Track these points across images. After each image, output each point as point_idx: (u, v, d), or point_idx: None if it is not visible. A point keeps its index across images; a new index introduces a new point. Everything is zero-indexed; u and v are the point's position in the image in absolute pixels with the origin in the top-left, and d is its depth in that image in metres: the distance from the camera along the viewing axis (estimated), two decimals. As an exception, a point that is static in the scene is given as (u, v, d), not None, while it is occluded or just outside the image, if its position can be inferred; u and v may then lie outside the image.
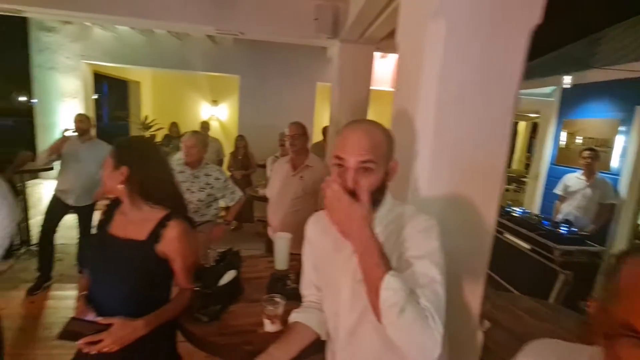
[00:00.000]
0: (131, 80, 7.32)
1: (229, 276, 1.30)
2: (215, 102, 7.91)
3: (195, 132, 2.73)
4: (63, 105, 5.27)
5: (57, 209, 3.23)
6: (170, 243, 1.17)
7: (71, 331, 1.01)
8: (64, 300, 3.12)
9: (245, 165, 4.98)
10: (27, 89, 5.48)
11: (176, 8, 2.70)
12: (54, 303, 3.05)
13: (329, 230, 1.02)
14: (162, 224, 1.18)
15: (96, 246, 1.20)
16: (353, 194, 0.84)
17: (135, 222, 1.19)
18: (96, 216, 3.58)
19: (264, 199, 3.89)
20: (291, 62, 5.60)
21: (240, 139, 5.01)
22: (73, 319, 1.06)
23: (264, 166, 5.32)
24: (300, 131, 2.42)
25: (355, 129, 0.91)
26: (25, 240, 3.88)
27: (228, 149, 5.46)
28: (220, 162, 5.32)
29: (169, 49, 5.22)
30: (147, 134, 5.26)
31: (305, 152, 2.45)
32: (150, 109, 7.61)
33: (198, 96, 7.81)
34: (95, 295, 1.17)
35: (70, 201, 3.22)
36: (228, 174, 4.98)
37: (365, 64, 3.03)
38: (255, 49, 5.45)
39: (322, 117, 7.34)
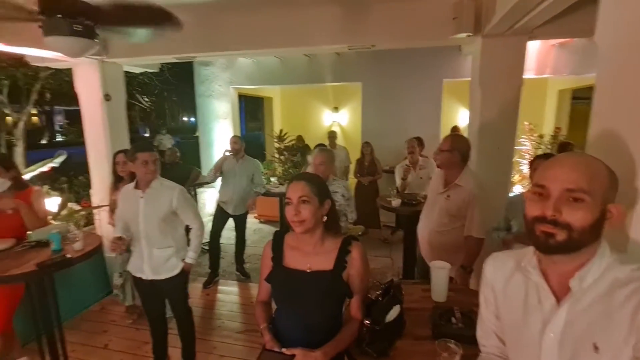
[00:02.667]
0: (265, 97, 8.27)
1: (394, 312, 1.27)
2: (336, 108, 8.23)
3: (322, 148, 2.73)
4: (217, 125, 6.30)
5: (221, 217, 3.86)
6: (355, 265, 1.25)
7: None
8: (229, 295, 3.71)
9: (372, 171, 5.00)
10: (193, 114, 6.76)
11: (316, 34, 2.90)
12: (222, 297, 3.65)
13: (520, 277, 0.89)
14: (344, 250, 1.26)
15: (281, 282, 1.30)
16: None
17: (315, 253, 1.27)
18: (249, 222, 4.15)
19: (394, 210, 3.82)
20: (414, 61, 5.33)
21: (366, 145, 5.05)
22: (265, 350, 1.19)
23: (389, 171, 5.25)
24: (448, 146, 2.14)
25: (568, 155, 0.80)
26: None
27: (350, 154, 5.59)
28: (347, 170, 5.47)
29: (299, 66, 5.67)
30: (282, 145, 5.80)
31: (456, 169, 2.17)
32: (279, 120, 8.43)
33: (320, 104, 8.25)
34: (280, 326, 1.29)
35: (230, 210, 3.81)
36: (355, 180, 5.09)
37: (516, 58, 2.59)
38: (376, 53, 5.39)
39: (449, 116, 6.80)
